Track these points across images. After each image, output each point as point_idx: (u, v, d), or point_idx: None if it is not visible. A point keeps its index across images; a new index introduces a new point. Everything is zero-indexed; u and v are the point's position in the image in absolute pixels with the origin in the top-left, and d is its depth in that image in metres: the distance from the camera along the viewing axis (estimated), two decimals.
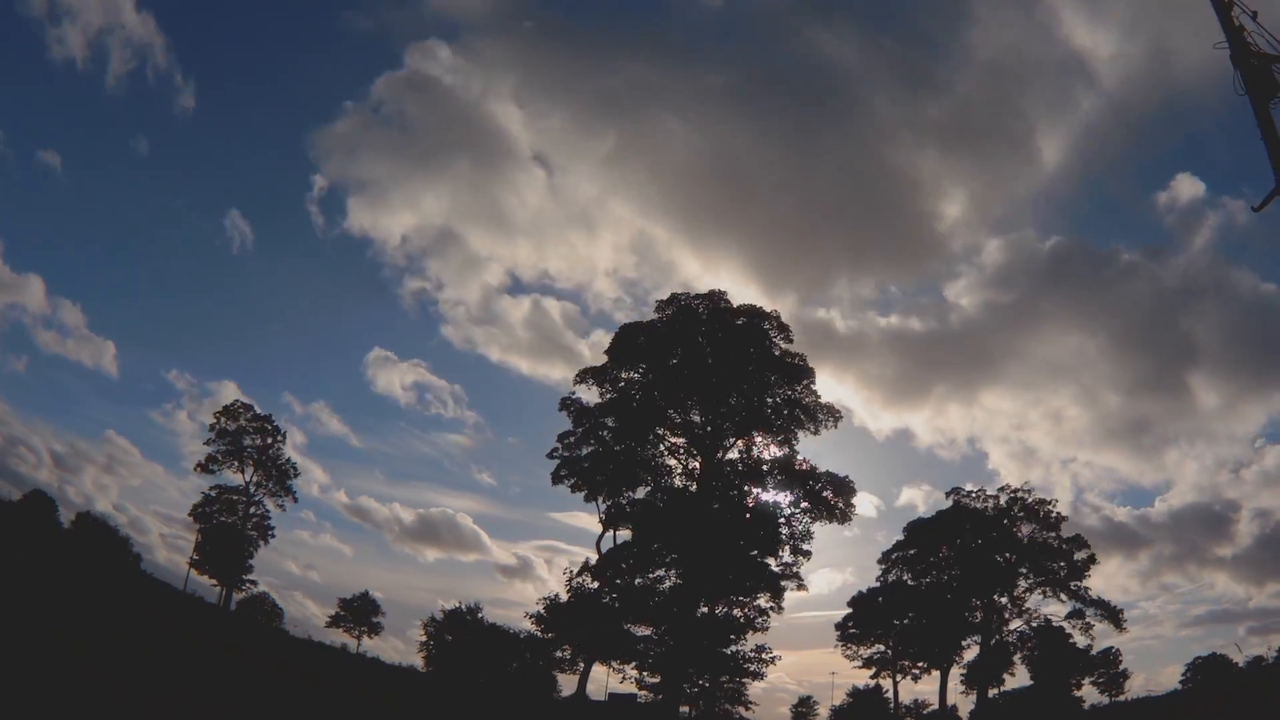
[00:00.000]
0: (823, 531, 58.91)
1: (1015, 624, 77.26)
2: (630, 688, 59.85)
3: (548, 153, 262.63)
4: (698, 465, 57.38)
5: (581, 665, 58.61)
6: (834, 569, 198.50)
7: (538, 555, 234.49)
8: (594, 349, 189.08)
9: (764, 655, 58.08)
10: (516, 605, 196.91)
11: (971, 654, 79.51)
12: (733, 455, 58.27)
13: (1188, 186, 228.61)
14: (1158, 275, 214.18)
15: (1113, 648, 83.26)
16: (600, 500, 57.83)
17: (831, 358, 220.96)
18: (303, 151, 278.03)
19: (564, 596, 57.70)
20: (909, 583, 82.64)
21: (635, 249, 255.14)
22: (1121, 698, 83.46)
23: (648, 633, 57.09)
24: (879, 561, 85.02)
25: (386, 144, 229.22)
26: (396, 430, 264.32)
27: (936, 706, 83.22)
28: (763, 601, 57.43)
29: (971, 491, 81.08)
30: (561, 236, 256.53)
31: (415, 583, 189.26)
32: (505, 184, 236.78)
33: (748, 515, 56.92)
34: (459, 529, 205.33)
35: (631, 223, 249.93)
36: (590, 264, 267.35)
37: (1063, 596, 75.47)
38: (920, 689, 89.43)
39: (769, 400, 58.23)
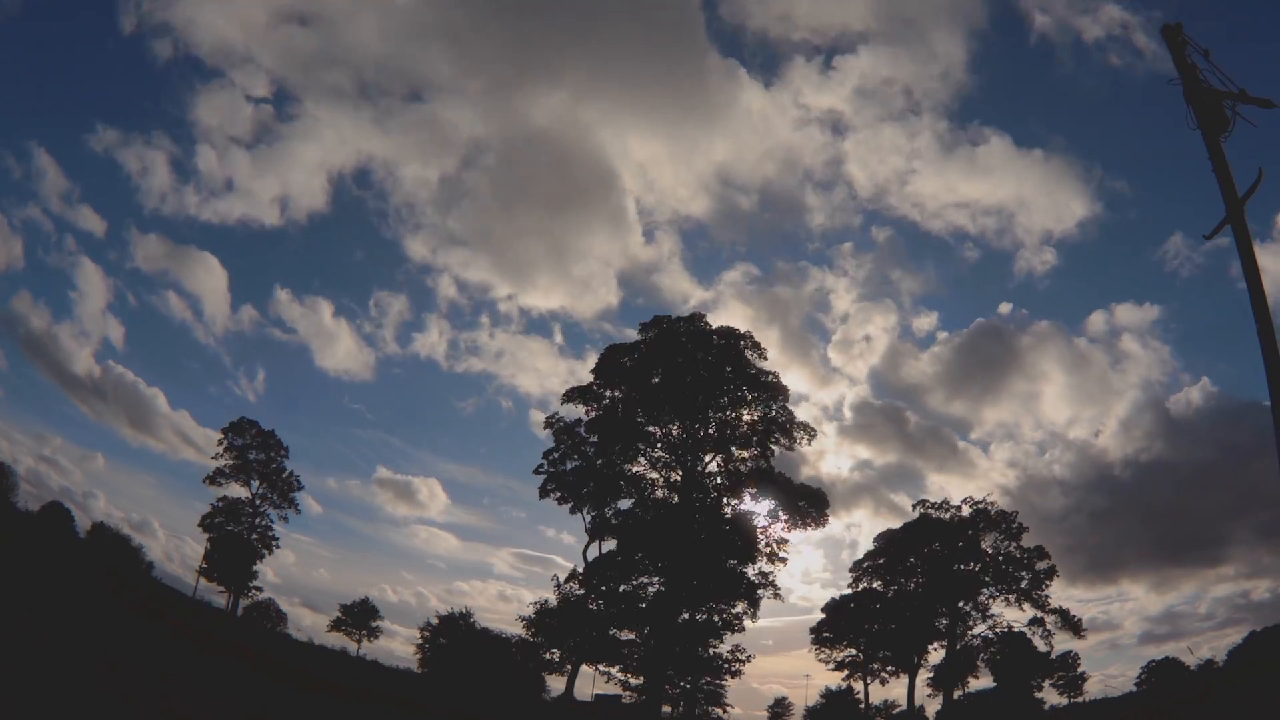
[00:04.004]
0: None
1: (979, 629, 77.98)
2: (615, 689, 60.21)
3: None
4: (678, 478, 57.89)
5: (569, 668, 58.83)
6: None
7: None
8: None
9: (739, 655, 58.58)
10: None
11: (938, 657, 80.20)
12: (712, 468, 58.82)
13: None
14: None
15: (1071, 651, 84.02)
16: (586, 512, 58.38)
17: None
18: None
19: (553, 603, 58.14)
20: (879, 590, 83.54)
21: None
22: (1080, 699, 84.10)
23: (632, 637, 57.47)
24: (850, 570, 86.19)
25: None
26: None
27: (905, 707, 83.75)
28: (740, 608, 57.91)
29: (937, 504, 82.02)
30: None
31: None
32: None
33: (726, 525, 57.41)
34: None
35: None
36: None
37: (1025, 606, 76.17)
38: (890, 691, 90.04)
39: (746, 416, 58.89)
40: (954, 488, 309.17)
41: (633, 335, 61.48)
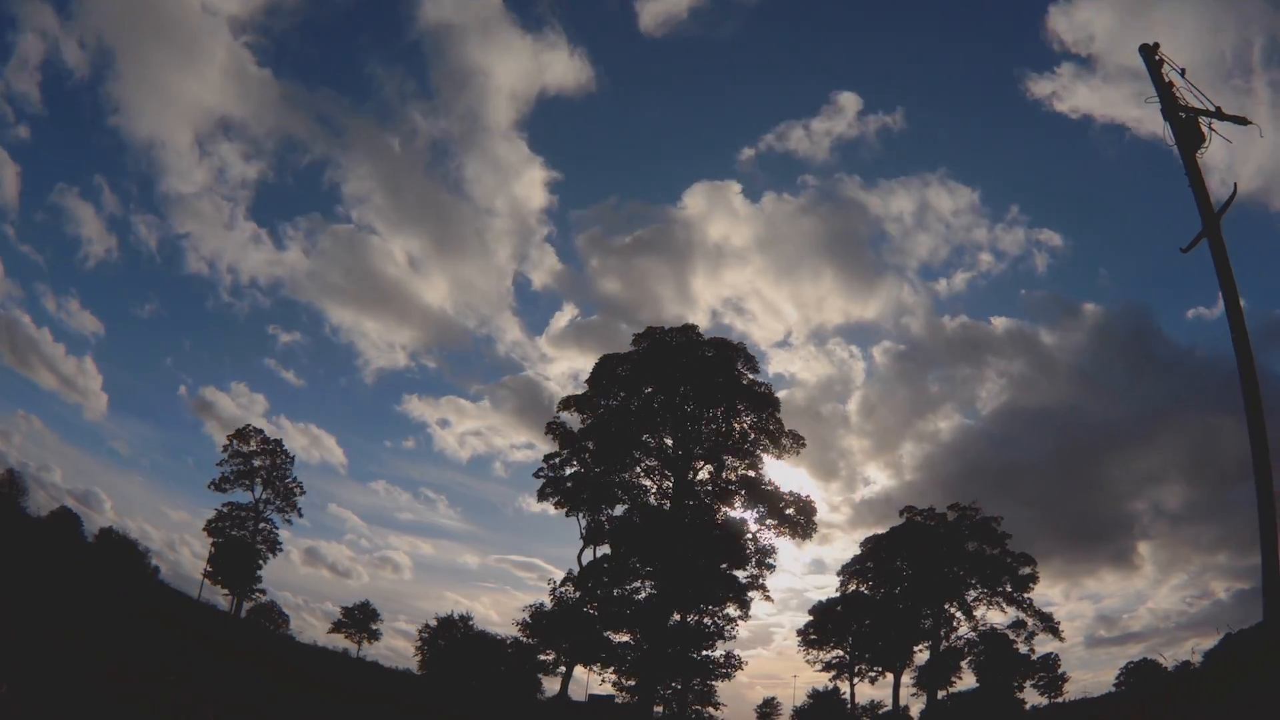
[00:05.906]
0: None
1: (963, 631, 77.96)
2: (609, 689, 60.10)
3: None
4: (671, 485, 57.73)
5: (564, 669, 58.60)
6: None
7: None
8: None
9: (732, 661, 58.53)
10: None
11: (922, 658, 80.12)
12: (703, 476, 58.56)
13: None
14: None
15: (1052, 653, 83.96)
16: (581, 517, 58.18)
17: None
18: None
19: (549, 605, 57.97)
20: (865, 593, 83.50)
21: None
22: (1061, 699, 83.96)
23: (625, 639, 57.25)
24: (838, 574, 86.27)
25: None
26: None
27: (890, 707, 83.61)
28: (731, 610, 57.79)
29: (923, 510, 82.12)
30: None
31: None
32: None
33: (717, 531, 57.26)
34: None
35: None
36: None
37: (1008, 609, 76.27)
38: (875, 691, 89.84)
39: (737, 426, 58.77)
40: None
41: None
